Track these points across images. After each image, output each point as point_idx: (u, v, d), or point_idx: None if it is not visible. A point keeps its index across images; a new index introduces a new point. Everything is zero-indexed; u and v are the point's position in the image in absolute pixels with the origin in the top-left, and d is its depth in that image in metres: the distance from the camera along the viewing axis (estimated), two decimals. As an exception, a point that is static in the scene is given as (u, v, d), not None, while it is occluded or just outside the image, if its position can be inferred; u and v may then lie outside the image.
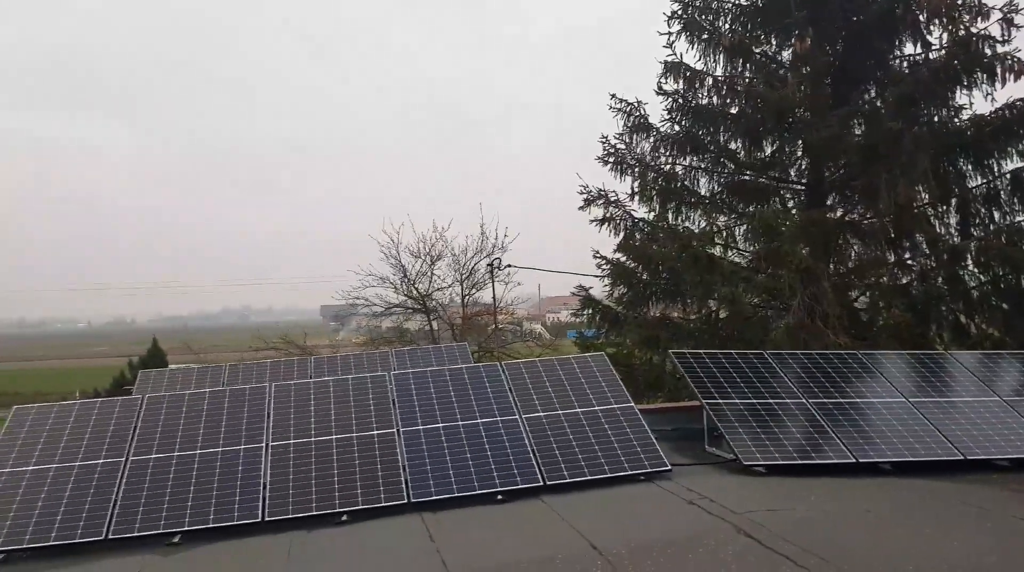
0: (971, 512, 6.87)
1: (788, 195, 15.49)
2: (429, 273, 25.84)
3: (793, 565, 5.32)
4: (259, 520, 7.10)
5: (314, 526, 7.01)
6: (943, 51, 13.52)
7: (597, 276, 16.10)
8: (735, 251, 15.17)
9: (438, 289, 26.24)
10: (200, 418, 8.47)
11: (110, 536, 6.87)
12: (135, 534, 6.92)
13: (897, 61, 14.50)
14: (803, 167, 15.12)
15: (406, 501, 7.36)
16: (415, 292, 25.58)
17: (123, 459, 7.84)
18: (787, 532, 5.95)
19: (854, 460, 8.22)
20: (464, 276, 26.39)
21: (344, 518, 7.10)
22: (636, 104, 15.71)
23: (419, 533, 6.61)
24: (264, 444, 8.08)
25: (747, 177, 15.21)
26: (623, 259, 15.66)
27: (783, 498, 7.10)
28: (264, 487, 7.48)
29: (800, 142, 14.36)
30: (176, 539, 6.85)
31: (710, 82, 15.04)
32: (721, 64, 14.94)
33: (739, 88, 14.55)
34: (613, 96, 15.79)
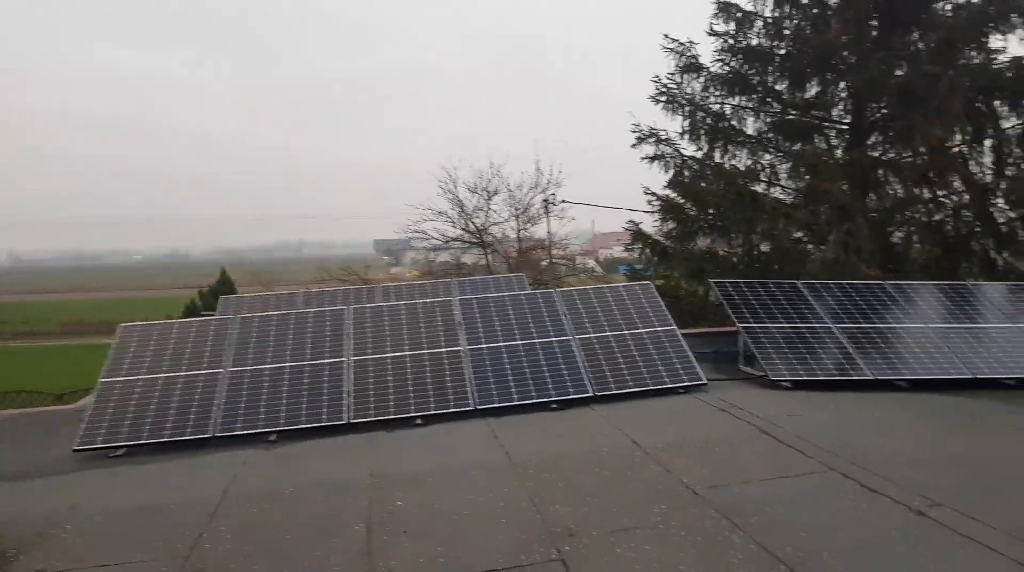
0: (971, 420, 7.76)
1: (832, 134, 15.88)
2: (486, 208, 26.67)
3: (803, 456, 6.32)
4: (344, 422, 8.22)
5: (393, 428, 8.10)
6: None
7: (648, 211, 16.80)
8: (778, 188, 15.74)
9: (494, 223, 27.08)
10: (288, 336, 9.60)
11: (216, 434, 8.02)
12: (237, 432, 8.05)
13: (942, 3, 14.70)
14: (846, 107, 15.54)
15: (472, 408, 8.47)
16: (472, 226, 26.43)
17: (222, 370, 8.98)
18: (802, 433, 6.94)
19: (872, 377, 9.11)
20: (519, 211, 27.15)
21: (418, 421, 8.21)
22: (688, 44, 16.19)
23: (484, 432, 7.71)
24: (346, 359, 9.19)
25: (792, 117, 15.66)
26: (672, 195, 16.33)
27: (803, 407, 8.06)
28: (348, 394, 8.61)
29: (843, 83, 14.80)
30: (273, 437, 7.96)
31: (759, 24, 15.47)
32: (770, 6, 15.30)
33: (786, 31, 14.95)
34: (666, 36, 16.28)
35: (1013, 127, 14.21)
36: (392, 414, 8.35)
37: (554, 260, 28.56)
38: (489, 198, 26.50)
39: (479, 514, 5.38)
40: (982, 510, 5.03)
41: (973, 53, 13.90)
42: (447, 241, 26.84)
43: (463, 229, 26.57)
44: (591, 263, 39.07)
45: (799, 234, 14.91)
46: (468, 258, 27.61)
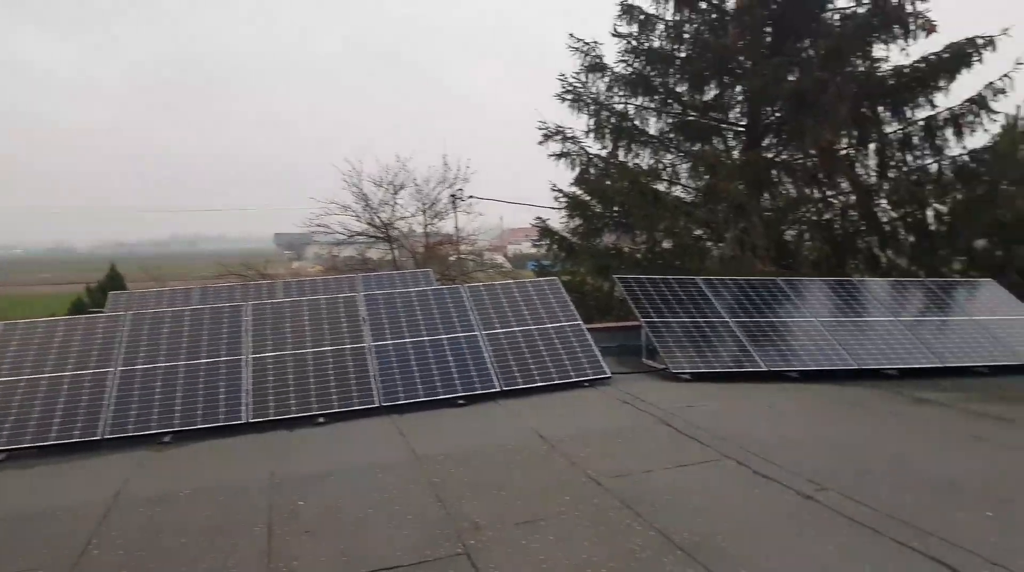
0: (853, 407, 8.18)
1: (729, 135, 16.49)
2: (392, 202, 26.35)
3: (699, 444, 6.54)
4: (243, 421, 7.99)
5: (294, 426, 7.93)
6: (866, 6, 14.50)
7: (555, 208, 17.07)
8: (679, 187, 16.20)
9: (401, 218, 26.78)
10: (182, 333, 9.26)
11: (106, 436, 7.66)
12: (129, 434, 7.71)
13: (831, 13, 15.43)
14: (743, 110, 16.13)
15: (377, 404, 8.38)
16: (378, 220, 26.09)
17: (112, 369, 8.58)
18: (699, 422, 7.18)
19: (766, 369, 9.49)
20: (427, 206, 26.95)
21: (321, 420, 8.06)
22: (593, 44, 16.50)
23: (390, 429, 7.65)
24: (244, 356, 8.96)
25: (692, 118, 16.14)
26: (578, 192, 16.63)
27: (700, 398, 8.32)
28: (247, 393, 8.37)
29: (740, 87, 15.36)
30: (167, 439, 7.66)
31: (662, 27, 15.88)
32: (671, 10, 15.72)
33: (686, 34, 15.40)
34: (571, 36, 16.55)
35: (895, 132, 15.05)
36: (293, 413, 8.17)
37: (462, 255, 28.52)
38: (395, 192, 26.26)
39: (383, 511, 5.34)
40: (862, 492, 5.31)
41: (859, 61, 14.64)
42: (352, 235, 26.39)
43: (368, 223, 26.21)
44: (500, 259, 39.21)
45: (699, 231, 15.39)
46: (374, 253, 27.24)
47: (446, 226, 28.40)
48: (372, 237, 26.56)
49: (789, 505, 5.18)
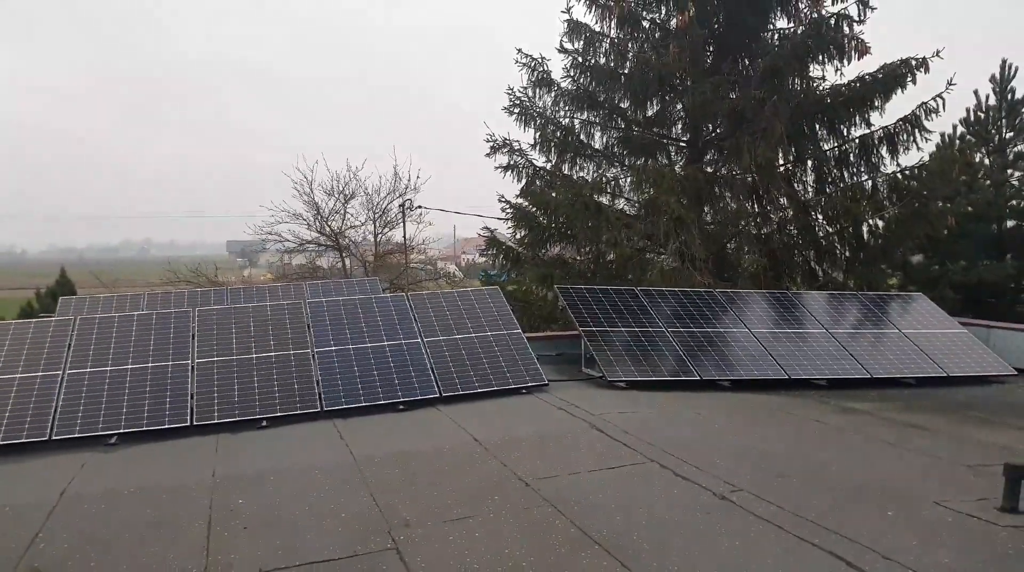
0: (778, 414, 8.60)
1: (672, 150, 16.96)
2: (343, 211, 26.48)
3: (627, 448, 6.86)
4: (188, 424, 8.14)
5: (238, 429, 8.10)
6: (802, 29, 15.12)
7: (501, 218, 17.42)
8: (623, 200, 16.61)
9: (351, 227, 26.94)
10: (130, 338, 9.37)
11: (53, 437, 7.77)
12: (76, 435, 7.83)
13: (770, 33, 16.03)
14: (684, 126, 16.63)
15: (319, 409, 8.57)
16: (328, 229, 26.19)
17: (60, 372, 8.69)
18: (630, 427, 7.51)
19: (699, 378, 9.88)
20: (377, 215, 27.12)
21: (264, 423, 8.23)
22: (540, 60, 16.87)
23: (330, 433, 7.85)
24: (190, 361, 9.08)
25: (635, 133, 16.58)
26: (525, 204, 16.96)
27: (633, 405, 8.68)
28: (191, 397, 8.52)
29: (681, 104, 15.86)
30: (113, 440, 7.78)
31: (606, 44, 16.30)
32: (615, 28, 16.14)
33: (630, 52, 15.86)
34: (519, 51, 16.90)
35: (832, 149, 15.67)
36: (237, 416, 8.33)
37: (413, 265, 28.68)
38: (346, 201, 26.42)
39: (320, 510, 5.54)
40: (775, 493, 5.67)
41: (796, 80, 15.22)
42: (302, 243, 26.50)
43: (319, 232, 26.30)
44: (452, 268, 39.42)
45: (642, 244, 15.80)
46: (324, 261, 27.31)
47: (396, 235, 28.63)
48: (322, 245, 26.63)
49: (704, 504, 5.51)
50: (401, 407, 8.78)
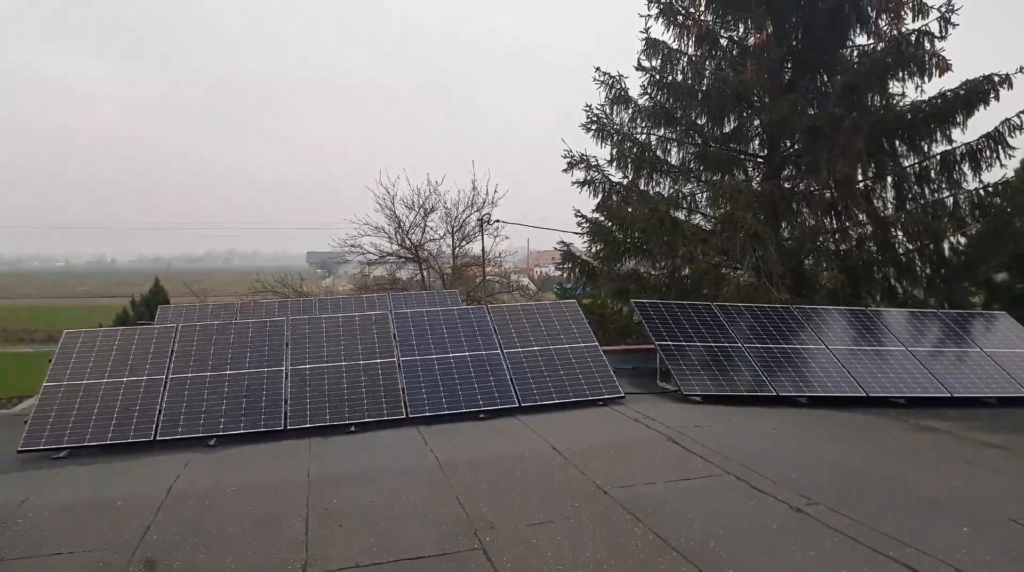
0: (856, 432, 8.61)
1: (749, 166, 16.98)
2: (422, 224, 27.06)
3: (703, 461, 7.03)
4: (282, 428, 8.66)
5: (328, 434, 8.56)
6: (882, 45, 14.99)
7: (577, 233, 17.70)
8: (699, 215, 16.70)
9: (430, 240, 27.48)
10: (228, 345, 9.97)
11: (157, 438, 8.39)
12: (178, 436, 8.43)
13: (849, 50, 15.92)
14: (761, 142, 16.65)
15: (404, 416, 8.98)
16: (408, 242, 26.79)
17: (164, 377, 9.32)
18: (704, 440, 7.67)
19: (775, 394, 9.94)
20: (455, 228, 27.63)
21: (352, 428, 8.68)
22: (618, 77, 17.13)
23: (415, 439, 8.23)
24: (284, 368, 9.61)
25: (712, 149, 16.66)
26: (600, 218, 17.20)
27: (709, 418, 8.81)
28: (285, 402, 9.03)
29: (758, 120, 15.91)
30: (212, 442, 8.34)
31: (684, 61, 16.48)
32: (692, 46, 16.29)
33: (707, 69, 15.99)
34: (597, 69, 17.20)
35: (911, 165, 15.46)
36: (328, 421, 8.79)
37: (489, 277, 29.11)
38: (426, 215, 26.96)
39: (409, 510, 5.89)
40: (850, 507, 5.77)
41: (876, 97, 15.10)
42: (383, 256, 27.14)
43: (399, 245, 26.92)
44: (525, 281, 39.78)
45: (718, 259, 15.86)
46: (404, 273, 27.92)
47: (474, 248, 29.08)
48: (402, 257, 27.24)
49: (780, 516, 5.66)
50: (481, 416, 9.12)
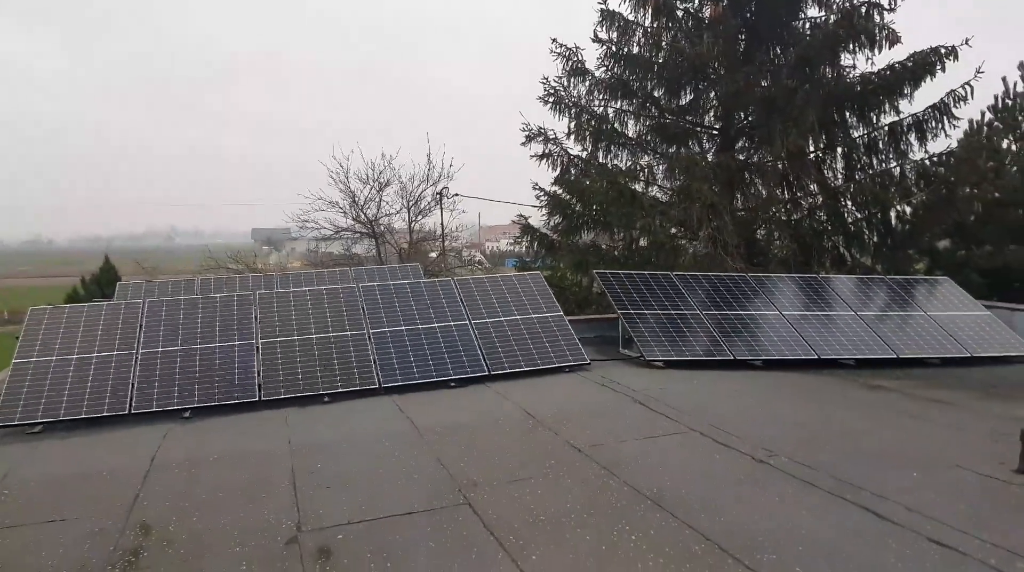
0: (809, 391, 9.09)
1: (704, 138, 17.33)
2: (377, 199, 26.93)
3: (670, 420, 7.41)
4: (256, 400, 8.79)
5: (303, 404, 8.73)
6: (834, 18, 15.42)
7: (536, 206, 17.89)
8: (656, 187, 17.04)
9: (386, 215, 27.40)
10: (196, 320, 10.01)
11: (132, 411, 8.45)
12: (153, 409, 8.51)
13: (802, 22, 16.32)
14: (717, 114, 17.00)
15: (377, 386, 9.19)
16: (363, 217, 26.68)
17: (134, 352, 9.35)
18: (669, 401, 8.05)
19: (732, 357, 10.38)
20: (411, 203, 27.59)
21: (327, 399, 8.86)
22: (574, 49, 17.22)
23: (391, 407, 8.45)
24: (255, 341, 9.71)
25: (668, 121, 16.96)
26: (559, 191, 17.41)
27: (671, 381, 9.23)
28: (258, 374, 9.15)
29: (714, 92, 16.25)
30: (187, 414, 8.45)
31: (640, 33, 16.68)
32: (649, 17, 16.50)
33: (664, 41, 16.24)
34: (554, 40, 17.26)
35: (861, 136, 15.99)
36: (301, 392, 8.95)
37: (446, 251, 29.18)
38: (381, 189, 26.79)
39: (393, 472, 6.13)
40: (808, 457, 6.19)
41: (827, 69, 15.54)
42: (338, 231, 26.94)
43: (355, 219, 26.78)
44: (479, 256, 39.95)
45: (675, 230, 16.25)
46: (359, 248, 27.75)
47: (428, 223, 29.08)
48: (358, 233, 27.09)
49: (744, 467, 6.05)
50: (453, 384, 9.37)
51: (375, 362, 9.55)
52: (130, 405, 8.54)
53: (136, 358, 9.25)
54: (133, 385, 8.81)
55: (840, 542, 4.58)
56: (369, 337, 9.98)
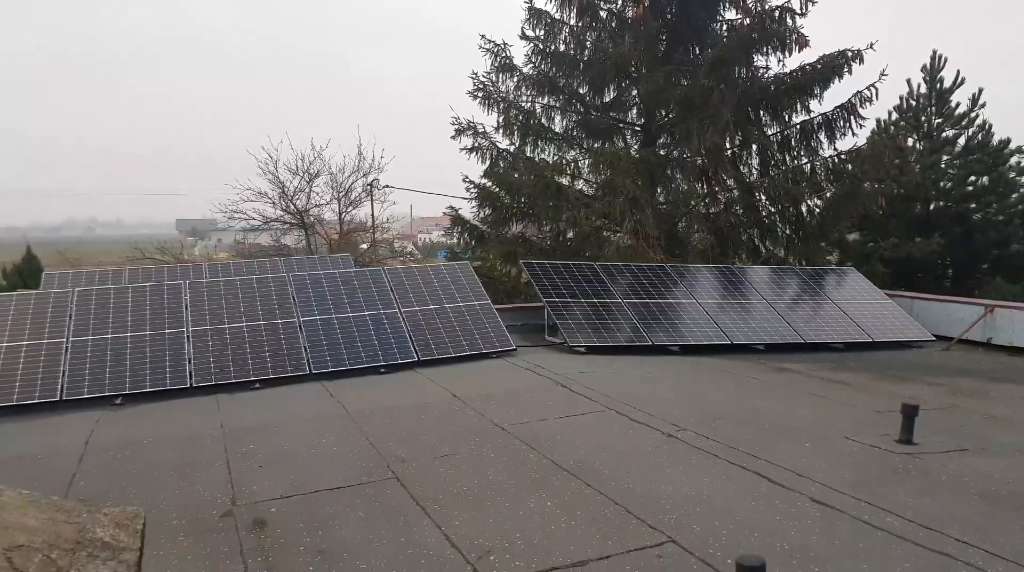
0: (720, 373, 9.69)
1: (628, 134, 17.95)
2: (307, 190, 26.82)
3: (588, 400, 7.87)
4: (188, 386, 8.95)
5: (234, 390, 8.92)
6: (748, 21, 16.17)
7: (466, 198, 18.24)
8: (582, 181, 17.55)
9: (316, 206, 27.30)
10: (127, 308, 10.07)
11: (63, 398, 8.53)
12: (84, 396, 8.60)
13: (719, 24, 17.05)
14: (639, 111, 17.62)
15: (307, 372, 9.43)
16: (293, 207, 26.57)
17: (64, 340, 9.38)
18: (589, 384, 8.52)
19: (651, 343, 10.94)
20: (341, 194, 27.55)
21: (257, 385, 9.07)
22: (503, 46, 17.62)
23: (321, 392, 8.72)
24: (185, 330, 9.83)
25: (593, 117, 17.50)
26: (488, 184, 17.79)
27: (592, 366, 9.71)
28: (189, 361, 9.30)
29: (636, 90, 16.85)
30: (119, 401, 8.55)
31: (566, 31, 17.17)
32: (574, 16, 17.00)
33: (588, 40, 16.76)
34: (483, 36, 17.63)
35: (775, 134, 16.79)
36: (232, 378, 9.15)
37: (377, 242, 29.20)
38: (311, 180, 26.69)
39: (323, 451, 6.42)
40: (713, 432, 6.71)
41: (742, 70, 16.28)
42: (267, 221, 26.72)
43: (284, 210, 26.62)
44: (411, 247, 40.05)
45: (599, 222, 16.78)
46: (288, 239, 27.57)
47: (359, 214, 29.05)
48: (287, 223, 26.94)
49: (654, 441, 6.53)
50: (383, 370, 9.67)
51: (306, 349, 9.78)
52: (61, 392, 8.60)
53: (67, 346, 9.28)
54: (64, 373, 8.86)
55: (734, 504, 5.08)
56: (300, 325, 10.19)
